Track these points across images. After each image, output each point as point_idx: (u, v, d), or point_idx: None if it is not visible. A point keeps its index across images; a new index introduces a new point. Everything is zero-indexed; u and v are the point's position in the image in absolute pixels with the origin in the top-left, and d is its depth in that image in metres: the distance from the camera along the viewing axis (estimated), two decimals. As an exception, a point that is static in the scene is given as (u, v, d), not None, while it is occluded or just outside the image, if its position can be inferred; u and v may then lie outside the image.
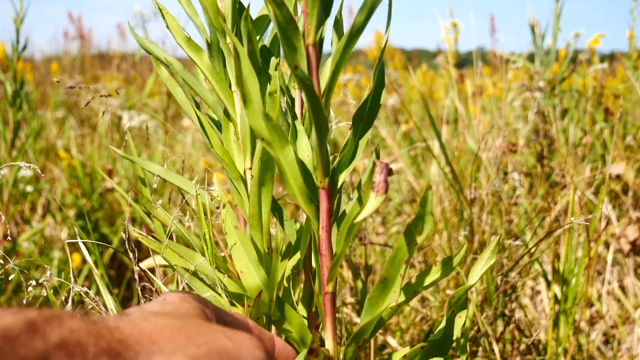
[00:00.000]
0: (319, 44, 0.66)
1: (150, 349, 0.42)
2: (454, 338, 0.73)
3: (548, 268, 1.74)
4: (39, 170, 0.80)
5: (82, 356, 0.38)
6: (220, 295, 0.77)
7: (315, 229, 0.70)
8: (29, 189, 2.32)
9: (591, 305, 1.72)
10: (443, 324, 0.73)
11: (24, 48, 2.30)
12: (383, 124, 3.57)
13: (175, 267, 0.78)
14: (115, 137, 3.33)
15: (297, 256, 0.82)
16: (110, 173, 2.56)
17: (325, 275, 0.70)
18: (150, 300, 1.24)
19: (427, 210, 0.61)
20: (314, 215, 0.70)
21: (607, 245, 1.95)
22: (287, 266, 0.81)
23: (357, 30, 0.62)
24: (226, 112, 0.83)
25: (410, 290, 0.68)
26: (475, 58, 2.58)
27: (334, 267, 0.68)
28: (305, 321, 0.75)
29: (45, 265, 0.75)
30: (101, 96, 0.94)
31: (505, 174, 1.93)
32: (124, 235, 0.83)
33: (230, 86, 0.83)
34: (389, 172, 0.58)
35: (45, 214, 2.48)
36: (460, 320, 0.73)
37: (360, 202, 0.70)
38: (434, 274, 0.69)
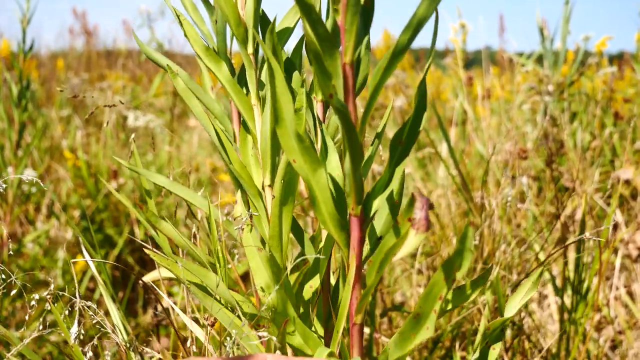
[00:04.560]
0: (356, 63, 0.63)
1: None
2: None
3: (555, 272, 1.73)
4: (42, 172, 0.78)
5: None
6: (233, 313, 0.75)
7: (345, 257, 0.67)
8: (34, 189, 2.31)
9: (599, 310, 1.71)
10: (476, 355, 0.71)
11: (30, 48, 2.28)
12: (390, 126, 3.55)
13: (186, 283, 0.76)
14: (120, 136, 3.32)
15: (317, 277, 0.79)
16: (115, 174, 2.55)
17: (354, 306, 0.67)
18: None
19: (467, 247, 0.57)
20: (345, 243, 0.67)
21: (615, 250, 1.93)
22: (305, 287, 0.78)
23: (400, 51, 0.59)
24: (245, 125, 0.80)
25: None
26: (484, 59, 2.57)
27: (364, 299, 0.65)
28: (323, 342, 0.73)
29: (49, 278, 0.74)
30: (105, 106, 0.92)
31: (514, 177, 1.91)
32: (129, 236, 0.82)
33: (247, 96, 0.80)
34: (430, 207, 0.55)
35: (50, 214, 2.47)
36: (495, 352, 0.71)
37: (397, 233, 0.65)
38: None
